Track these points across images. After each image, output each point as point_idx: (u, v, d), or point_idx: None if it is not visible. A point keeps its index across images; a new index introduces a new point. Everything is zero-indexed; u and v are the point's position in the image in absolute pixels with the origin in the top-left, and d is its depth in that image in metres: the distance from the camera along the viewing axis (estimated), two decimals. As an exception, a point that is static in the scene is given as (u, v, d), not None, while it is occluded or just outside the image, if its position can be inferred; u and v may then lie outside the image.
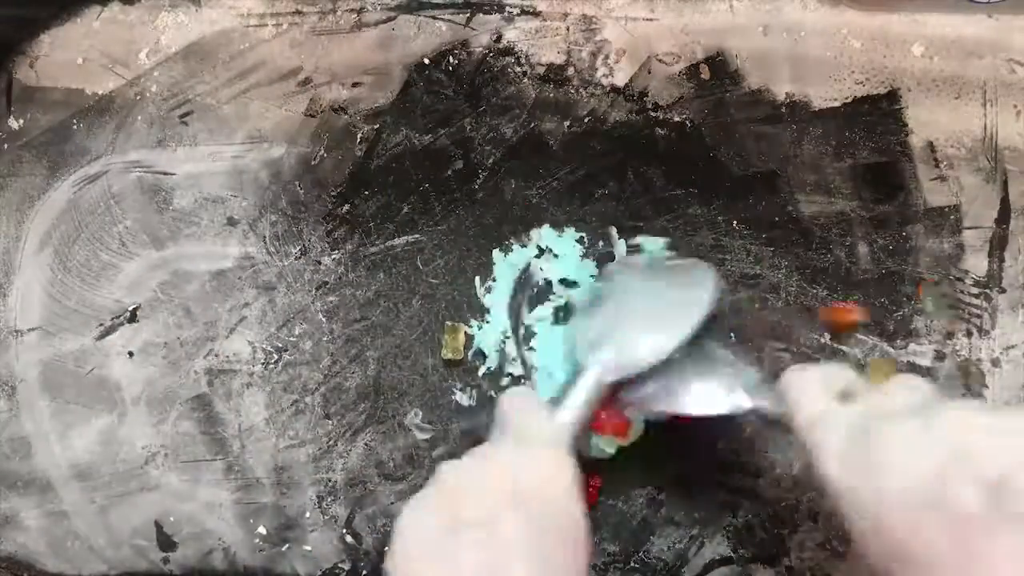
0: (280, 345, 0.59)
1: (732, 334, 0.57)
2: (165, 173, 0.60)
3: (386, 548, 0.57)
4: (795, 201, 0.57)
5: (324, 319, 0.59)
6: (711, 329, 0.48)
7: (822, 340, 0.57)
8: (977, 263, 0.57)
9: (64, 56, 0.61)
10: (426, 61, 0.60)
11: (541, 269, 0.57)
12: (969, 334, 0.56)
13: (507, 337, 0.57)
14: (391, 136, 0.59)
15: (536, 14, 0.60)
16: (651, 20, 0.59)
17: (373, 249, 0.59)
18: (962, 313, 0.56)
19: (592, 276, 0.57)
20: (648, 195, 0.58)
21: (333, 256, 0.59)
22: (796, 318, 0.57)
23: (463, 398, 0.57)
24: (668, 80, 0.59)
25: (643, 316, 0.48)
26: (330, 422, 0.58)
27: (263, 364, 0.59)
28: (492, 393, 0.57)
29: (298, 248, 0.59)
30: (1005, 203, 0.57)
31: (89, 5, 0.61)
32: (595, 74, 0.59)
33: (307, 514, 0.58)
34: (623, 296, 0.51)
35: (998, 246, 0.57)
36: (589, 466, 0.49)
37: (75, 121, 0.61)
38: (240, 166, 0.60)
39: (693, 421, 0.45)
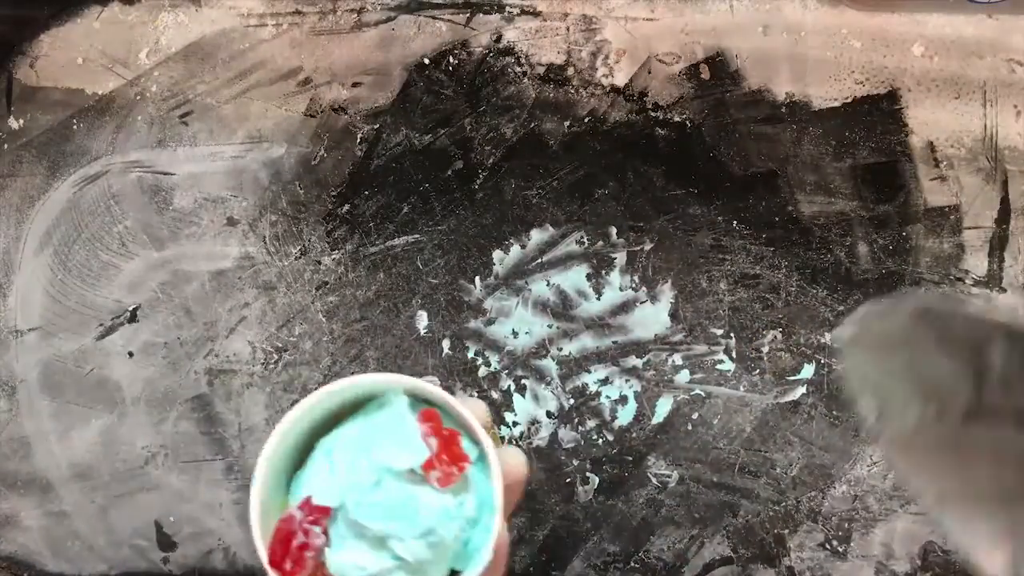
0: (280, 345, 0.59)
1: (732, 333, 0.57)
2: (165, 173, 0.60)
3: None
4: (795, 201, 0.57)
5: (324, 319, 0.59)
6: None
7: (821, 340, 0.57)
8: (977, 263, 0.57)
9: (64, 56, 0.61)
10: (426, 61, 0.60)
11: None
12: (969, 334, 0.56)
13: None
14: (391, 136, 0.59)
15: (536, 14, 0.60)
16: (651, 20, 0.59)
17: (373, 249, 0.59)
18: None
19: None
20: (648, 195, 0.58)
21: (333, 256, 0.59)
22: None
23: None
24: (668, 80, 0.59)
25: None
26: (330, 422, 0.58)
27: (263, 364, 0.59)
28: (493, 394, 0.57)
29: (298, 248, 0.59)
30: (1005, 203, 0.57)
31: (89, 5, 0.61)
32: (595, 74, 0.59)
33: (307, 514, 0.58)
34: None
35: (998, 246, 0.57)
36: None
37: (75, 121, 0.61)
38: (240, 166, 0.60)
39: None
